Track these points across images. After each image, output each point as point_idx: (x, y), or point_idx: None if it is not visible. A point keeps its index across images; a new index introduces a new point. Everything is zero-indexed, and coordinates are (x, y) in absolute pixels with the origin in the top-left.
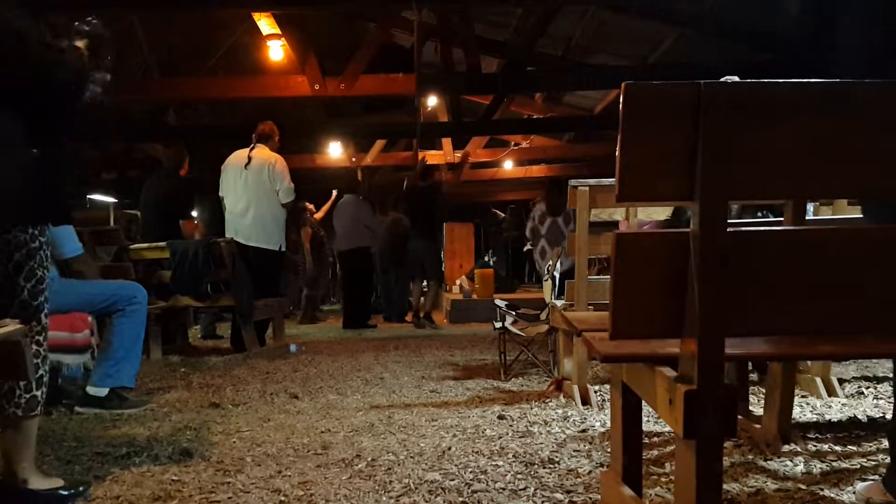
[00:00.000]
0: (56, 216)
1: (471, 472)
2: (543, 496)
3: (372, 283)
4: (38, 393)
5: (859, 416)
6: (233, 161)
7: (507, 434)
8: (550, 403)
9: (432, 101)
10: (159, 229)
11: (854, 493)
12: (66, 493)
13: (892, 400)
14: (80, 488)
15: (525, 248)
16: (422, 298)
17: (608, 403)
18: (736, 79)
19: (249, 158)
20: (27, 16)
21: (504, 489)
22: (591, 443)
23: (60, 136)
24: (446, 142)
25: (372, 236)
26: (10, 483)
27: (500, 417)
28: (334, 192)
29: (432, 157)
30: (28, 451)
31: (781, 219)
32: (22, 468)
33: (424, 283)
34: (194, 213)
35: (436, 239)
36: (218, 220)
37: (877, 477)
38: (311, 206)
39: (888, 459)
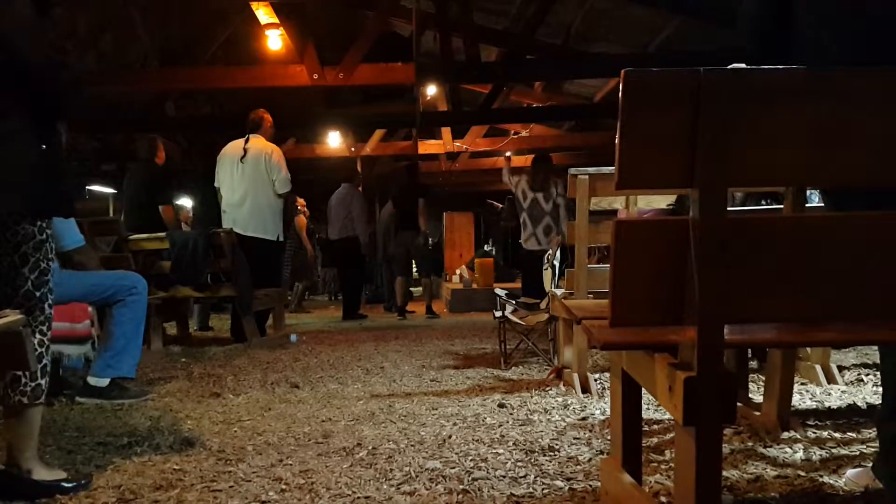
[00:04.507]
0: (64, 208)
1: (471, 460)
2: (543, 483)
3: (361, 273)
4: (42, 382)
5: (859, 404)
6: (229, 152)
7: (508, 422)
8: (550, 392)
9: (431, 90)
10: (139, 218)
11: (845, 480)
12: (68, 485)
13: None
14: (83, 481)
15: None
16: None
17: (608, 391)
18: (743, 66)
19: (245, 150)
20: (31, 5)
21: (504, 477)
22: (590, 430)
23: (57, 128)
24: (445, 131)
25: (357, 226)
26: (13, 473)
27: (501, 406)
28: (302, 202)
29: (431, 146)
30: (31, 441)
31: (782, 206)
32: (25, 458)
33: (415, 276)
34: (181, 203)
35: (419, 229)
36: (212, 210)
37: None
38: (301, 201)
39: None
